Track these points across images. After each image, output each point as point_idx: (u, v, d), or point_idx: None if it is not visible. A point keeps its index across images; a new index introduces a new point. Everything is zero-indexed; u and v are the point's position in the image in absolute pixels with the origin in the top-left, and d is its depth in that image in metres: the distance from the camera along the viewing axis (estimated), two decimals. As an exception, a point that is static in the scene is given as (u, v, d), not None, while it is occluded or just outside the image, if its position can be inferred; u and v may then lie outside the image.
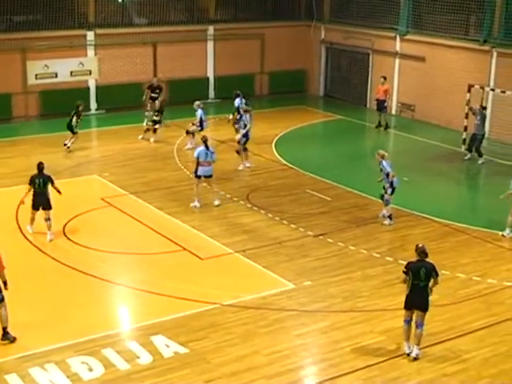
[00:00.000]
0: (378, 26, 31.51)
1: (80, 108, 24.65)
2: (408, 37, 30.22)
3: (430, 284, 12.60)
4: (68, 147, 24.50)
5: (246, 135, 23.04)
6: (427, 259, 12.62)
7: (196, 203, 19.63)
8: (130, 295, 15.04)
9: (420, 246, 12.74)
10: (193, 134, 24.95)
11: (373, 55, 31.92)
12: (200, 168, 19.47)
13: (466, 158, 24.70)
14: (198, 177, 19.62)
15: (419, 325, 12.66)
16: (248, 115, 23.27)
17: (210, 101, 32.05)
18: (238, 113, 24.14)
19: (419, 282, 12.50)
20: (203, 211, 19.47)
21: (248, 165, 23.17)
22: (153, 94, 27.31)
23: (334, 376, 12.18)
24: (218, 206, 19.71)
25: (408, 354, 12.72)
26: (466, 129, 25.53)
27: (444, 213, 19.60)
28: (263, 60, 33.86)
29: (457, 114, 26.77)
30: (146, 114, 26.63)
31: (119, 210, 19.29)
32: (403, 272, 12.64)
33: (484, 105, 24.84)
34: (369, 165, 23.14)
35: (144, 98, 27.51)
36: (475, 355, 12.79)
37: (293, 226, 18.58)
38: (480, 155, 24.43)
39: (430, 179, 22.73)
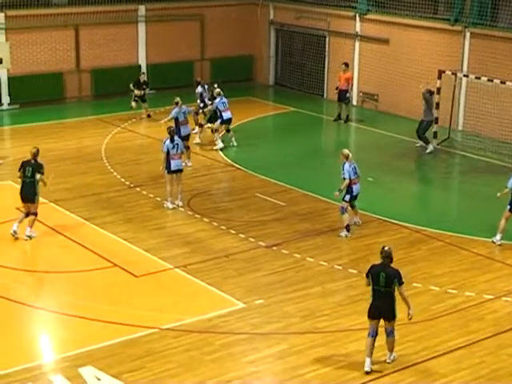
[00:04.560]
0: (334, 4, 31.75)
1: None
2: (369, 16, 30.52)
3: (396, 293, 12.87)
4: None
5: (221, 117, 25.02)
6: (392, 265, 12.95)
7: (168, 203, 20.30)
8: (53, 320, 14.85)
9: (386, 248, 13.11)
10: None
11: (329, 37, 32.15)
12: (172, 162, 20.20)
13: (418, 145, 25.81)
14: (171, 172, 20.28)
15: (390, 332, 13.02)
16: (220, 98, 25.05)
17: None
18: (202, 101, 26.27)
19: (379, 287, 12.86)
20: (137, 221, 19.38)
21: (190, 164, 23.27)
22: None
23: (293, 408, 12.24)
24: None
25: (367, 372, 12.89)
26: (437, 121, 25.85)
27: (414, 217, 19.82)
28: (204, 45, 33.85)
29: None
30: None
31: (38, 221, 19.06)
32: (366, 274, 13.15)
33: (432, 89, 25.33)
34: (328, 164, 23.32)
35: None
36: (452, 379, 12.91)
37: (242, 235, 18.60)
38: (426, 142, 25.39)
39: (397, 179, 22.97)
